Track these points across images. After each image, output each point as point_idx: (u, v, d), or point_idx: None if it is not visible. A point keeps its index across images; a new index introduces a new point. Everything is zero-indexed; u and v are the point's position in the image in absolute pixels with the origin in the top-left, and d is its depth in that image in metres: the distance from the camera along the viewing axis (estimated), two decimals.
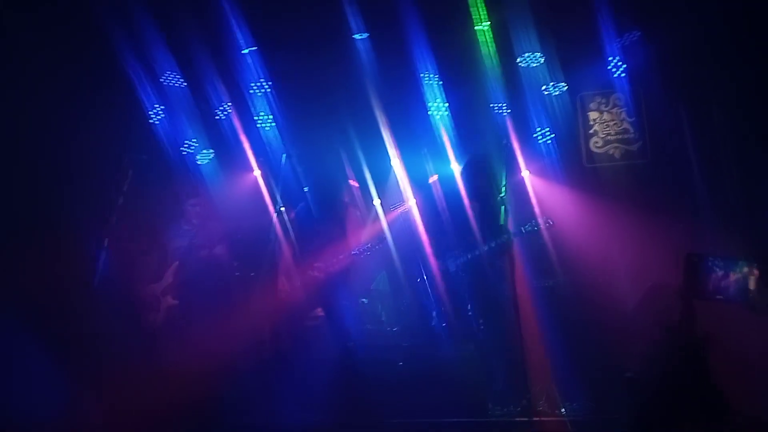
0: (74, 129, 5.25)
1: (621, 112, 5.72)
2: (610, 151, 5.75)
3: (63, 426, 4.17)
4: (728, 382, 1.43)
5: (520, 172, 5.61)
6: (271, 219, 5.38)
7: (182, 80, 5.94)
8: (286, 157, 5.47)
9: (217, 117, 6.06)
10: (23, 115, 5.01)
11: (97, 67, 5.45)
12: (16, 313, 4.66)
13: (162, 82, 5.88)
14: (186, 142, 6.10)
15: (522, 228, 4.78)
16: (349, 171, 6.00)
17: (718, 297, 1.44)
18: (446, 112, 5.73)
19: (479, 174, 5.06)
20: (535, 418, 3.82)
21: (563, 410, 3.95)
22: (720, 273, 1.42)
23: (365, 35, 5.61)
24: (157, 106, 5.92)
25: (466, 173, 5.17)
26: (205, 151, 6.15)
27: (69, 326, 4.71)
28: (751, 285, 1.42)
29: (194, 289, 5.25)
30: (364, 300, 5.65)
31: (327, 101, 5.73)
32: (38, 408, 4.33)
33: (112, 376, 4.34)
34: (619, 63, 5.47)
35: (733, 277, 1.43)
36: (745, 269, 1.42)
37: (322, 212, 5.49)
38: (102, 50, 5.42)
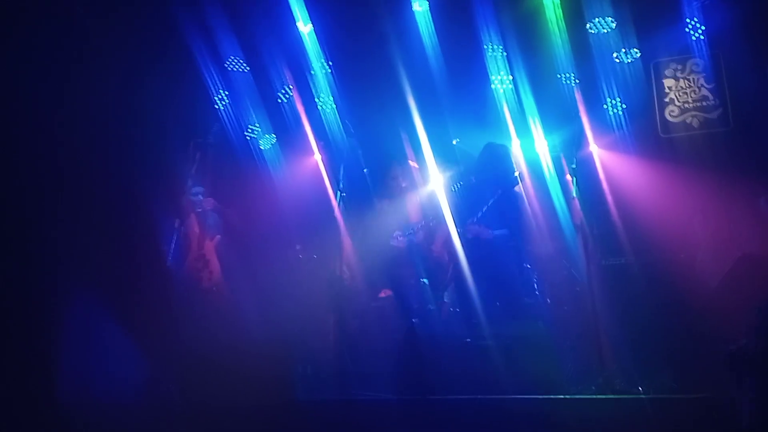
0: (144, 115, 5.40)
1: (699, 78, 5.38)
2: (688, 120, 5.43)
3: (143, 405, 4.31)
4: None
5: (589, 145, 5.39)
6: (331, 202, 5.34)
7: (245, 64, 6.01)
8: (347, 136, 5.43)
9: (279, 100, 6.11)
10: (94, 103, 5.19)
11: (165, 53, 5.59)
12: (95, 298, 4.86)
13: (226, 67, 5.98)
14: (250, 126, 6.19)
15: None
16: (409, 151, 5.91)
17: None
18: (510, 86, 5.55)
19: (497, 162, 5.07)
20: (611, 396, 3.66)
21: (641, 389, 3.76)
22: None
23: (426, 5, 5.47)
24: (222, 90, 6.02)
25: (483, 160, 5.18)
26: (267, 136, 6.22)
27: (146, 308, 4.87)
28: None
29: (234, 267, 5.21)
30: (424, 280, 5.55)
31: (387, 78, 5.65)
32: (119, 388, 4.50)
33: (187, 355, 4.44)
34: (698, 25, 5.13)
35: None
36: None
37: (379, 194, 5.42)
38: (169, 37, 5.55)
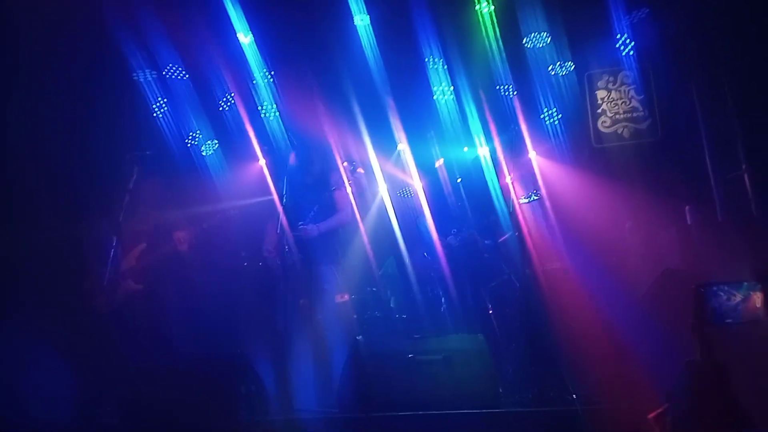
0: (78, 127, 5.23)
1: (629, 90, 5.62)
2: (619, 131, 5.66)
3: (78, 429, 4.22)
4: (752, 404, 1.40)
5: (527, 153, 5.55)
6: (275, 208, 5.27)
7: (184, 72, 5.89)
8: (292, 148, 5.40)
9: (221, 109, 6.02)
10: (27, 115, 5.00)
11: (99, 62, 5.41)
12: (26, 317, 4.70)
13: (164, 75, 5.84)
14: (190, 133, 6.07)
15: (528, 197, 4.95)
16: (355, 157, 5.93)
17: (727, 321, 1.42)
18: (451, 96, 5.66)
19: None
20: (544, 409, 3.82)
21: (575, 398, 3.94)
22: (724, 297, 1.40)
23: (366, 19, 5.50)
24: (161, 99, 5.88)
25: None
26: (209, 142, 6.12)
27: (81, 328, 4.75)
28: (757, 303, 1.39)
29: (159, 277, 5.08)
30: (372, 288, 5.61)
31: (330, 87, 5.65)
32: (53, 412, 4.37)
33: (125, 375, 4.37)
34: (628, 40, 5.36)
35: (739, 298, 1.40)
36: (750, 290, 1.39)
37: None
38: (103, 45, 5.38)
